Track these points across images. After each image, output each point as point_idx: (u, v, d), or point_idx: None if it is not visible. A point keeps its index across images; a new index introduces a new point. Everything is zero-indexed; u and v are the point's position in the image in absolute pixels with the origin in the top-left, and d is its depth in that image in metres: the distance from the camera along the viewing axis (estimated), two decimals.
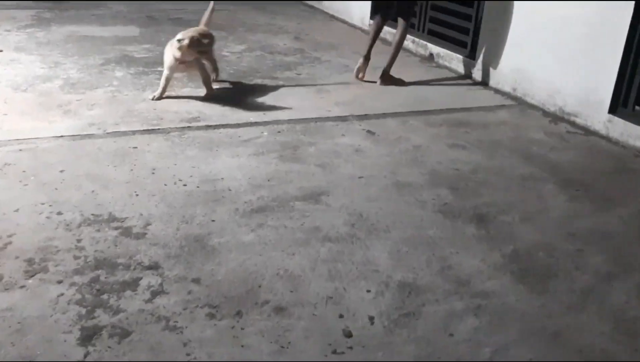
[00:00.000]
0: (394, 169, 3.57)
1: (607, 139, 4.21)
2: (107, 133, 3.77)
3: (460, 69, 5.59)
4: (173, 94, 4.56)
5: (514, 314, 2.37)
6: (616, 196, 3.38)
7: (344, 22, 7.56)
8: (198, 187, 3.18)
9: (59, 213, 2.84)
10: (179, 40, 4.19)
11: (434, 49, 5.96)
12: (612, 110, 4.21)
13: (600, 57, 4.22)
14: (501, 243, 2.87)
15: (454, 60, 5.68)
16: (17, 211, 2.85)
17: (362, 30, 7.15)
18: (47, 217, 2.80)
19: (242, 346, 2.10)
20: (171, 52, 4.29)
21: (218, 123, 4.04)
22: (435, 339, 2.20)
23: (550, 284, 2.57)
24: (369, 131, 4.11)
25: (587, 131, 4.34)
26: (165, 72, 4.39)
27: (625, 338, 2.26)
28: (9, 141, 3.55)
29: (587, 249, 2.84)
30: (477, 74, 5.39)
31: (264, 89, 4.80)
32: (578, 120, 4.43)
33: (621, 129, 4.14)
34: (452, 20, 5.74)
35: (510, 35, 4.99)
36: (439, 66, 5.84)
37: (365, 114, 4.42)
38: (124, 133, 3.78)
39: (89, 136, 3.70)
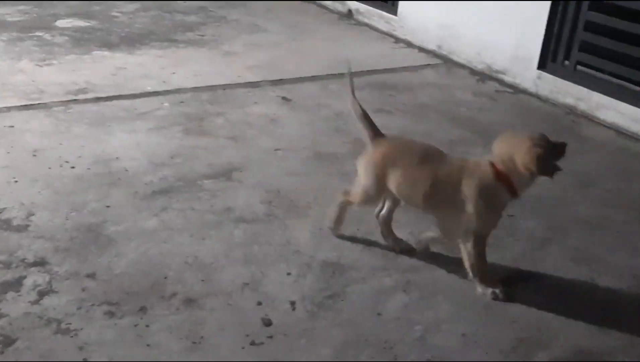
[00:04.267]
0: (314, 139, 3.59)
1: (536, 96, 4.42)
2: None
3: (382, 26, 5.66)
4: (55, 62, 4.35)
5: (445, 287, 2.46)
6: None
7: None
8: (89, 169, 3.07)
9: None
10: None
11: (353, 4, 5.99)
12: (541, 66, 4.41)
13: (528, 10, 4.39)
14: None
15: (375, 17, 5.74)
16: None
17: None
18: None
19: (148, 345, 2.07)
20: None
21: (110, 95, 3.90)
22: (363, 320, 2.25)
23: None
24: (284, 98, 4.10)
25: (516, 89, 4.53)
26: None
27: (558, 303, 2.41)
28: None
29: (520, 214, 2.98)
30: (399, 31, 5.48)
31: (163, 54, 4.67)
32: (507, 78, 4.62)
33: (551, 86, 4.35)
34: None
35: None
36: (359, 23, 5.88)
37: (280, 79, 4.40)
38: None
39: None
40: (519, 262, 2.64)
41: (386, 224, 2.67)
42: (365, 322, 2.25)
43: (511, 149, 2.34)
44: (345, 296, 2.37)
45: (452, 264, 2.58)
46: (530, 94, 4.45)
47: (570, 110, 4.23)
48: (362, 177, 2.56)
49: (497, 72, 4.68)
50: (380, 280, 2.47)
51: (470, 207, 2.36)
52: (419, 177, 2.43)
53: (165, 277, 2.38)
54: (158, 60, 4.55)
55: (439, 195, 2.42)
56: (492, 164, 2.37)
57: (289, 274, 2.47)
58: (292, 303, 2.31)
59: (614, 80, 4.19)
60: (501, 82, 4.63)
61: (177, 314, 2.21)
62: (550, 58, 4.39)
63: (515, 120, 4.07)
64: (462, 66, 4.90)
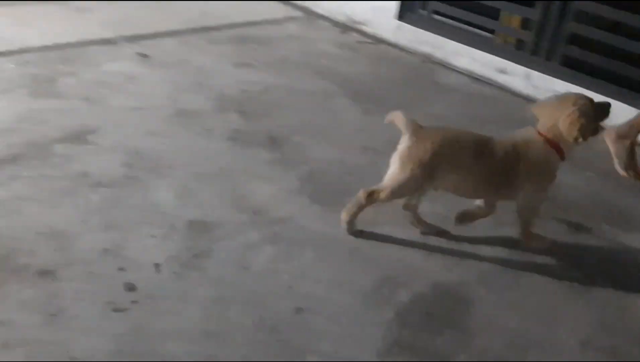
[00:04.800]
0: (175, 97, 3.47)
1: (396, 46, 4.53)
2: None
3: None
4: None
5: (311, 236, 2.50)
6: (408, 104, 3.67)
7: None
8: None
9: None
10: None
11: None
12: (400, 16, 4.51)
13: None
14: (296, 165, 2.98)
15: None
16: None
17: None
18: None
19: (1, 323, 1.94)
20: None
21: None
22: (230, 276, 2.24)
23: (347, 200, 2.74)
24: (142, 54, 3.92)
25: (377, 40, 4.61)
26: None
27: (416, 242, 2.53)
28: None
29: (381, 160, 3.06)
30: None
31: (5, 11, 4.29)
32: (367, 29, 4.69)
33: (409, 35, 4.47)
34: None
35: None
36: None
37: (137, 35, 4.19)
38: None
39: None
40: (379, 208, 2.73)
41: (416, 213, 2.58)
42: (233, 278, 2.24)
43: (555, 115, 2.37)
44: (212, 253, 2.34)
45: (317, 213, 2.62)
46: (390, 44, 4.55)
47: (428, 58, 4.39)
48: (400, 171, 2.39)
49: (358, 23, 4.74)
50: (247, 235, 2.46)
51: (531, 185, 2.40)
52: (478, 171, 2.38)
53: (16, 250, 2.22)
54: None
55: (499, 182, 2.41)
56: (540, 134, 2.40)
57: (153, 236, 2.39)
58: (157, 265, 2.25)
59: (468, 28, 4.38)
60: (362, 33, 4.69)
61: (31, 287, 2.08)
62: (408, 8, 4.49)
63: (376, 69, 4.16)
64: (324, 18, 4.91)
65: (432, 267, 2.41)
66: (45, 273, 2.14)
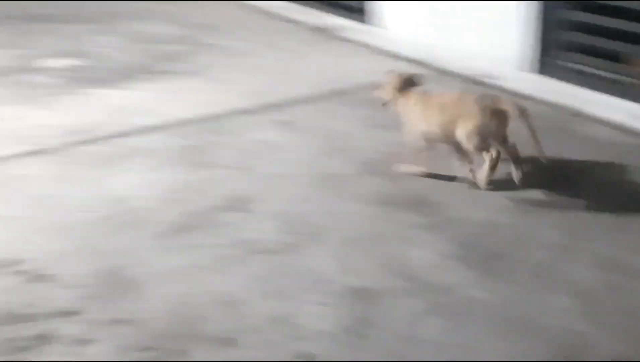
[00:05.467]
0: (317, 162, 3.58)
1: None
2: None
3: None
4: (47, 103, 4.30)
5: (475, 306, 2.47)
6: None
7: None
8: (99, 212, 3.07)
9: None
10: None
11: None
12: None
13: None
14: (447, 228, 2.96)
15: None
16: None
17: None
18: None
19: None
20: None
21: (109, 134, 3.86)
22: (397, 347, 2.25)
23: (505, 266, 2.69)
24: (281, 122, 4.08)
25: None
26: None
27: None
28: None
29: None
30: None
31: (149, 87, 4.64)
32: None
33: None
34: None
35: None
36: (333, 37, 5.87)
37: (275, 103, 4.37)
38: None
39: None
40: None
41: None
42: (399, 349, 2.23)
43: None
44: (376, 323, 2.36)
45: (476, 280, 2.59)
46: None
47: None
48: None
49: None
50: (409, 303, 2.46)
51: None
52: None
53: (197, 317, 2.37)
54: (145, 94, 4.53)
55: None
56: None
57: (320, 304, 2.45)
58: (328, 334, 2.29)
59: None
60: None
61: (214, 354, 2.20)
62: None
63: None
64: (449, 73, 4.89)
65: None
66: (227, 341, 2.25)
